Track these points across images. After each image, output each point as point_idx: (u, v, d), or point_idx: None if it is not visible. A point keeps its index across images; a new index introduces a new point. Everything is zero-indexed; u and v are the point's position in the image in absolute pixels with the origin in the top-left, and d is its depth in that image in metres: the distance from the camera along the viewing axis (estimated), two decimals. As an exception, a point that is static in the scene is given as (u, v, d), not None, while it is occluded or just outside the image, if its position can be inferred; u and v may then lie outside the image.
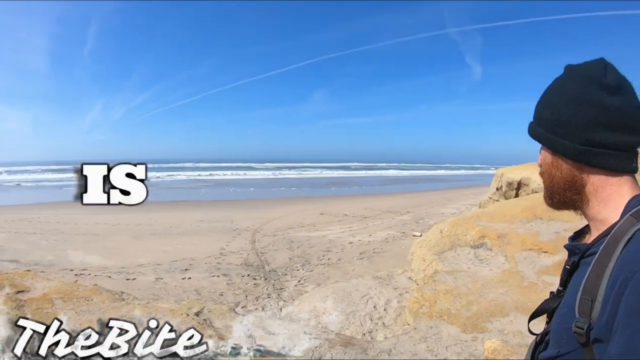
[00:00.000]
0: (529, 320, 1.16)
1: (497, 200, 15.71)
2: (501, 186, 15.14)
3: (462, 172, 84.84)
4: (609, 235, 0.90)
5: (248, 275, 11.29)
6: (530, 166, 15.15)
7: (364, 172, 73.22)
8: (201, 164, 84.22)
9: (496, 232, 9.04)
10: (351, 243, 15.56)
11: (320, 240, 15.89)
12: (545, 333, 1.11)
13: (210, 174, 55.98)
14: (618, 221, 0.92)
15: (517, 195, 14.48)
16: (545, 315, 1.12)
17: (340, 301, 7.82)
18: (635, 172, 1.00)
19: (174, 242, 14.99)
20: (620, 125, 0.95)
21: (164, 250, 13.91)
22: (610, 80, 0.96)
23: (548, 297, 1.13)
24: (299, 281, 10.97)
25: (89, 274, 11.18)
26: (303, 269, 12.05)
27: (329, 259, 13.25)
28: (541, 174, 1.12)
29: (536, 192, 13.03)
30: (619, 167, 0.97)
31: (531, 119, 1.13)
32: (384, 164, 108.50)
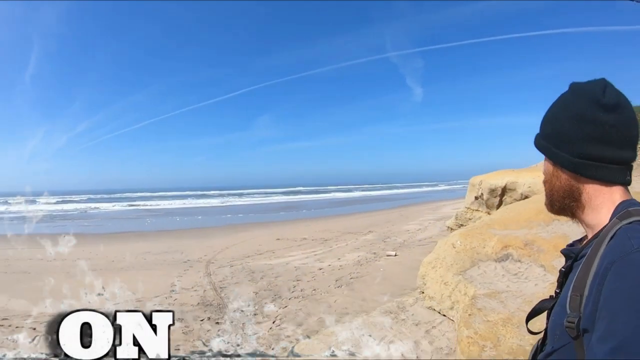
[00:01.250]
0: (526, 321, 1.19)
1: (477, 210, 14.06)
2: (481, 194, 13.50)
3: (409, 190, 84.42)
4: (597, 238, 0.97)
5: (208, 318, 8.80)
6: (510, 172, 13.70)
7: (312, 195, 71.01)
8: (145, 193, 79.30)
9: (520, 240, 7.16)
10: (321, 269, 13.41)
11: (284, 268, 13.60)
12: (545, 331, 1.14)
13: (156, 204, 51.83)
14: (607, 224, 0.98)
15: (501, 202, 12.92)
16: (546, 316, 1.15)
17: (354, 355, 5.58)
18: (628, 184, 1.06)
19: (116, 279, 12.18)
20: (614, 141, 1.01)
21: (105, 289, 11.15)
22: (607, 99, 1.02)
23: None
24: (273, 322, 8.63)
25: (10, 325, 8.69)
26: (275, 305, 9.70)
27: (302, 290, 10.98)
28: (544, 182, 1.18)
29: (527, 197, 11.44)
30: (611, 178, 1.03)
31: (532, 134, 1.22)
32: (332, 187, 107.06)
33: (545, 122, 1.15)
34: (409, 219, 26.70)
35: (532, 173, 12.27)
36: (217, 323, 8.47)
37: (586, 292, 0.89)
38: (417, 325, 6.30)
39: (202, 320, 8.63)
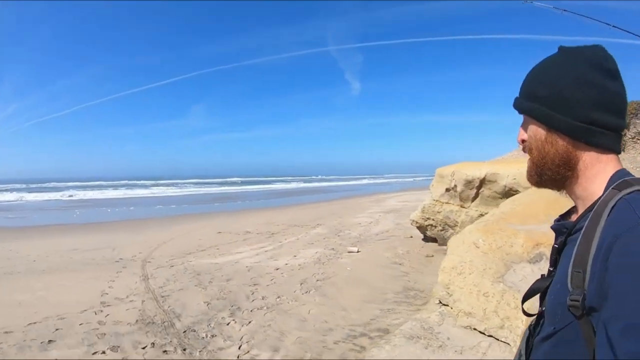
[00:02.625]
0: (522, 302, 1.12)
1: (448, 203, 12.75)
2: (454, 186, 12.18)
3: (347, 182, 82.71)
4: (593, 209, 0.90)
5: (153, 344, 6.57)
6: (482, 164, 12.45)
7: (249, 186, 67.57)
8: (73, 183, 72.46)
9: (548, 237, 5.68)
10: (278, 269, 11.49)
11: (234, 268, 11.54)
12: (540, 315, 1.06)
13: (84, 194, 45.98)
14: (602, 195, 0.93)
15: (477, 195, 11.70)
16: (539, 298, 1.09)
17: None
18: (620, 152, 1.02)
19: (35, 286, 9.62)
20: (615, 109, 0.97)
21: (20, 302, 8.60)
22: (611, 65, 0.98)
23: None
24: (239, 347, 6.60)
25: None
26: (235, 321, 7.67)
27: (263, 298, 9.01)
28: (529, 150, 1.08)
29: (512, 189, 10.16)
30: (610, 146, 0.98)
31: (516, 96, 1.12)
32: (269, 178, 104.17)
33: (537, 85, 1.06)
34: (355, 212, 25.28)
35: (511, 165, 11.05)
36: (165, 352, 6.36)
37: (589, 268, 0.82)
38: (460, 353, 4.60)
39: (144, 348, 6.44)
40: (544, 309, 1.03)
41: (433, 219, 13.92)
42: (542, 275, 1.09)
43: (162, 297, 8.94)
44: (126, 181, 78.00)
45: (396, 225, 18.85)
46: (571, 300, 0.84)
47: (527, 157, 1.11)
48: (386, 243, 14.94)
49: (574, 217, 1.07)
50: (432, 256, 12.50)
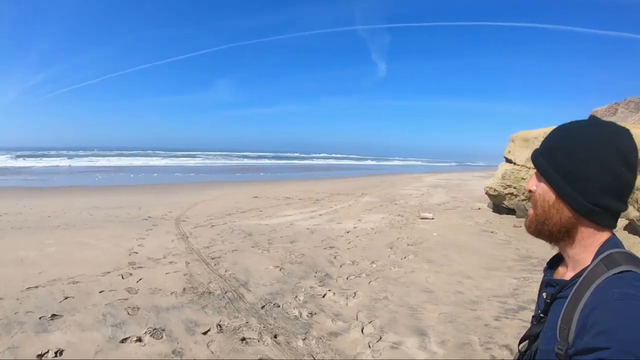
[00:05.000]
0: (519, 344, 1.15)
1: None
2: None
3: (369, 162, 78.64)
4: (582, 278, 0.96)
5: (219, 327, 3.82)
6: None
7: (271, 160, 64.59)
8: (96, 151, 70.16)
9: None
10: (349, 232, 8.77)
11: (293, 230, 8.82)
12: (524, 353, 1.12)
13: (108, 160, 42.83)
14: (590, 264, 0.98)
15: None
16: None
17: None
18: (614, 228, 1.04)
19: (45, 242, 7.02)
20: (622, 196, 1.00)
21: (22, 259, 6.02)
22: (632, 158, 1.00)
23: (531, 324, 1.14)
24: (363, 330, 3.83)
25: None
26: (332, 292, 4.94)
27: (354, 263, 6.28)
28: (534, 203, 1.09)
29: None
30: (608, 224, 1.01)
31: (537, 148, 1.11)
32: (290, 154, 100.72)
33: (557, 150, 1.04)
34: (397, 185, 22.45)
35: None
36: (244, 340, 3.65)
37: (573, 327, 0.91)
38: None
39: (206, 333, 3.72)
40: (533, 348, 1.08)
41: (515, 187, 11.21)
42: (533, 318, 1.13)
43: (213, 259, 6.23)
44: (149, 150, 75.34)
45: (452, 199, 16.08)
46: (558, 349, 0.92)
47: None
48: (456, 213, 12.16)
49: (562, 270, 1.12)
50: (520, 227, 9.79)
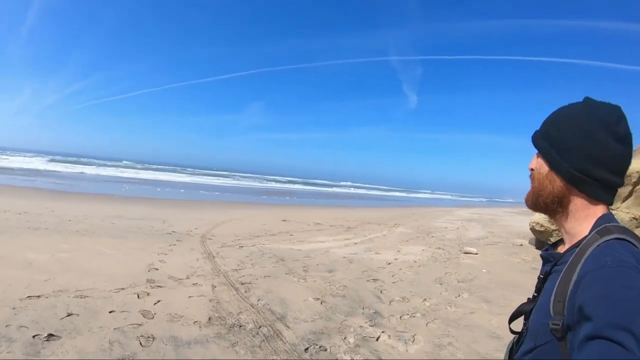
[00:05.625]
0: (509, 322, 1.15)
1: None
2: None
3: (397, 193, 76.44)
4: (578, 248, 0.94)
5: None
6: None
7: (299, 186, 63.25)
8: (125, 162, 70.77)
9: None
10: (390, 263, 7.84)
11: (329, 257, 7.93)
12: (521, 333, 1.10)
13: (136, 173, 42.59)
14: (586, 236, 0.96)
15: (630, 194, 8.59)
16: (523, 318, 1.13)
17: None
18: (611, 204, 1.04)
19: (59, 247, 6.36)
20: (613, 168, 0.99)
21: (30, 262, 5.35)
22: (620, 130, 1.00)
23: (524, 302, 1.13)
24: None
25: None
26: (387, 334, 4.01)
27: (403, 299, 5.35)
28: (532, 178, 1.13)
29: None
30: (600, 197, 1.01)
31: (536, 129, 1.16)
32: (319, 180, 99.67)
33: (551, 125, 1.10)
34: (428, 217, 21.36)
35: None
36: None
37: (567, 298, 0.87)
38: None
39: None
40: (526, 327, 1.06)
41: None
42: (528, 299, 1.12)
43: (243, 284, 5.37)
44: (178, 167, 75.63)
45: (490, 233, 14.93)
46: (553, 324, 0.88)
47: None
48: (499, 248, 11.09)
49: (560, 249, 1.10)
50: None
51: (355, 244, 10.20)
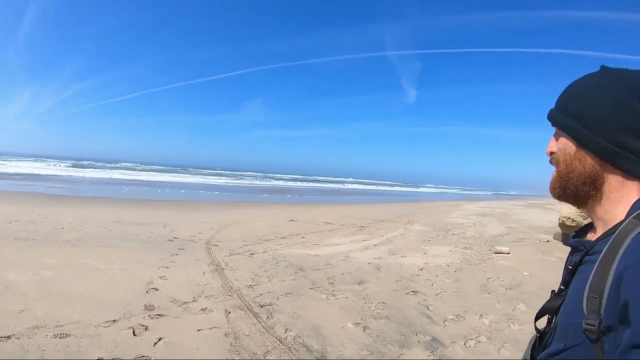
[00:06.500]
0: (535, 320, 1.00)
1: None
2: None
3: (400, 188, 74.17)
4: (614, 235, 0.80)
5: None
6: None
7: (301, 183, 61.14)
8: (124, 163, 69.67)
9: None
10: (422, 269, 6.90)
11: (352, 264, 6.94)
12: (544, 331, 0.97)
13: (136, 174, 41.40)
14: (623, 221, 0.82)
15: None
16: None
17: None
18: None
19: (47, 261, 5.36)
20: None
21: (8, 284, 4.34)
22: None
23: (550, 296, 0.99)
24: None
25: None
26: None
27: (458, 317, 4.38)
28: (556, 162, 0.98)
29: None
30: (637, 172, 0.87)
31: (552, 107, 1.02)
32: (319, 177, 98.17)
33: (573, 101, 0.95)
34: (439, 213, 20.39)
35: None
36: None
37: (605, 295, 0.74)
38: None
39: None
40: (554, 325, 0.94)
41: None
42: (553, 292, 0.98)
43: (262, 307, 4.37)
44: (177, 167, 74.34)
45: (510, 229, 13.96)
46: (587, 325, 0.77)
47: None
48: (528, 246, 10.13)
49: (590, 236, 0.96)
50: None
51: (375, 245, 9.24)
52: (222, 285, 5.04)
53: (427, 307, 4.73)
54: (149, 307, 4.03)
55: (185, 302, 4.28)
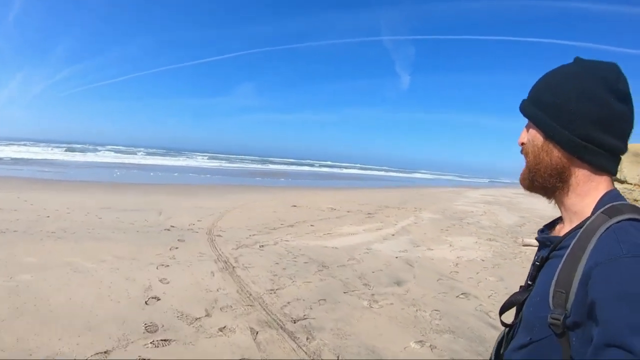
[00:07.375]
0: (500, 314, 0.97)
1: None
2: None
3: (395, 174, 73.17)
4: (581, 230, 0.79)
5: None
6: None
7: (295, 167, 58.48)
8: (117, 146, 67.81)
9: None
10: (458, 265, 6.08)
11: (379, 259, 6.11)
12: (513, 325, 0.95)
13: (127, 158, 39.16)
14: (590, 216, 0.82)
15: None
16: (514, 309, 0.97)
17: None
18: (615, 174, 0.91)
19: (26, 260, 4.36)
20: (616, 130, 0.85)
21: None
22: (621, 87, 0.86)
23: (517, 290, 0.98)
24: None
25: None
26: None
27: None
28: (525, 153, 0.96)
29: None
30: (605, 167, 0.87)
31: (525, 98, 0.99)
32: (313, 161, 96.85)
33: (544, 92, 0.92)
34: (442, 200, 19.60)
35: None
36: None
37: (573, 290, 0.73)
38: None
39: None
40: (519, 319, 0.92)
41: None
42: (520, 287, 0.96)
43: (295, 322, 3.45)
44: (168, 150, 72.55)
45: (524, 219, 13.37)
46: (552, 319, 0.75)
47: None
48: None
49: (558, 230, 0.95)
50: None
51: (393, 235, 8.40)
52: (237, 291, 4.11)
53: (488, 315, 3.90)
54: (150, 328, 3.08)
55: (197, 318, 3.33)
